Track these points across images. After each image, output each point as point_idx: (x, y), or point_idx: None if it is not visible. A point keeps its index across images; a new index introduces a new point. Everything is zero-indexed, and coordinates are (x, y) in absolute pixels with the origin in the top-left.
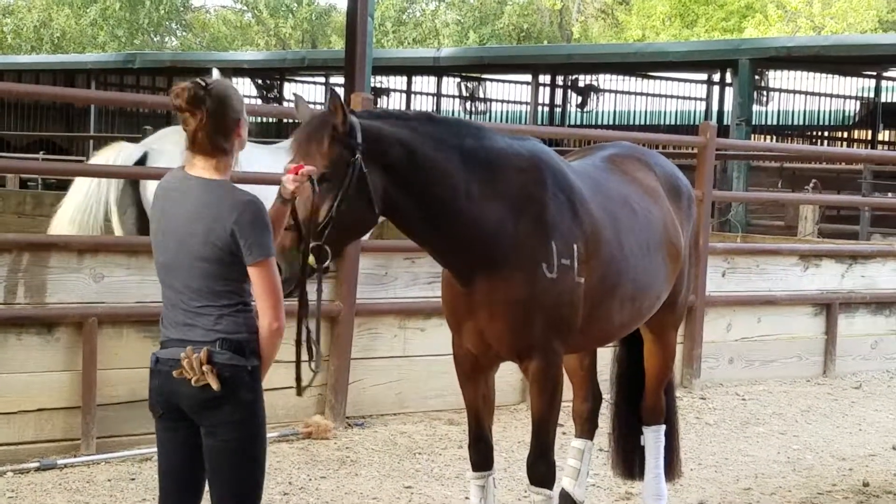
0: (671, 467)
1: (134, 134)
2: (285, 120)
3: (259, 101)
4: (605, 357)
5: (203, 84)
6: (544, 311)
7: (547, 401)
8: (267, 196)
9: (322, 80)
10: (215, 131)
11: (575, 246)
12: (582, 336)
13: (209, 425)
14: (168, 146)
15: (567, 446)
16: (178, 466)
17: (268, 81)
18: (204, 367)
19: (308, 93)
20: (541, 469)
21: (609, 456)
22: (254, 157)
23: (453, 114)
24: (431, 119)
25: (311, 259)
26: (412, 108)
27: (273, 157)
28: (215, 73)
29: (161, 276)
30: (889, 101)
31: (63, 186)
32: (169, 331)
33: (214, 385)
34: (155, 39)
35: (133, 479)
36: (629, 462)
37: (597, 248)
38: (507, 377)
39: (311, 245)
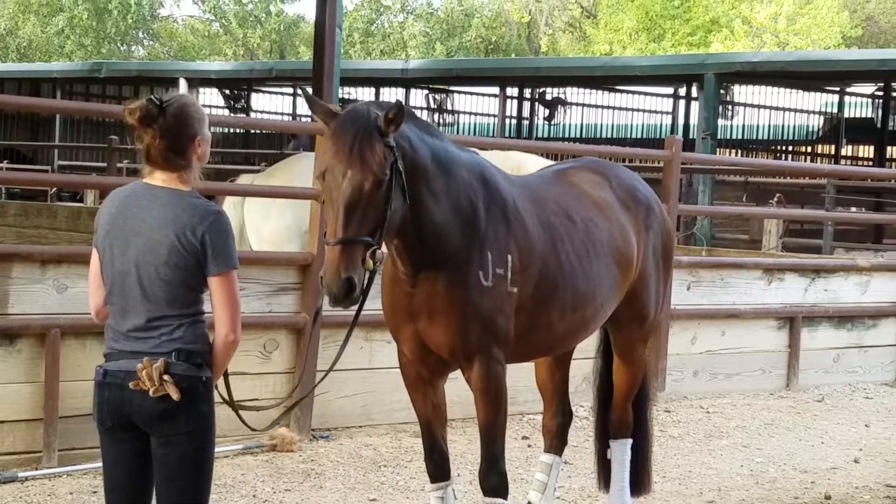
0: (641, 482)
1: (100, 144)
2: (252, 131)
3: (226, 112)
4: (574, 371)
5: (157, 102)
6: (481, 317)
7: (492, 408)
8: None
9: (290, 90)
10: (169, 148)
11: (509, 256)
12: (526, 344)
13: (164, 436)
14: None
15: (534, 460)
16: (127, 480)
17: (235, 92)
18: (164, 378)
19: (275, 104)
20: (492, 479)
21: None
22: None
23: None
24: (412, 116)
25: (370, 263)
26: None
27: None
28: (182, 84)
29: (115, 286)
30: (852, 116)
31: (28, 196)
32: (118, 343)
33: (175, 395)
34: (122, 49)
35: (95, 493)
36: (603, 474)
37: (531, 258)
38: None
39: (371, 250)
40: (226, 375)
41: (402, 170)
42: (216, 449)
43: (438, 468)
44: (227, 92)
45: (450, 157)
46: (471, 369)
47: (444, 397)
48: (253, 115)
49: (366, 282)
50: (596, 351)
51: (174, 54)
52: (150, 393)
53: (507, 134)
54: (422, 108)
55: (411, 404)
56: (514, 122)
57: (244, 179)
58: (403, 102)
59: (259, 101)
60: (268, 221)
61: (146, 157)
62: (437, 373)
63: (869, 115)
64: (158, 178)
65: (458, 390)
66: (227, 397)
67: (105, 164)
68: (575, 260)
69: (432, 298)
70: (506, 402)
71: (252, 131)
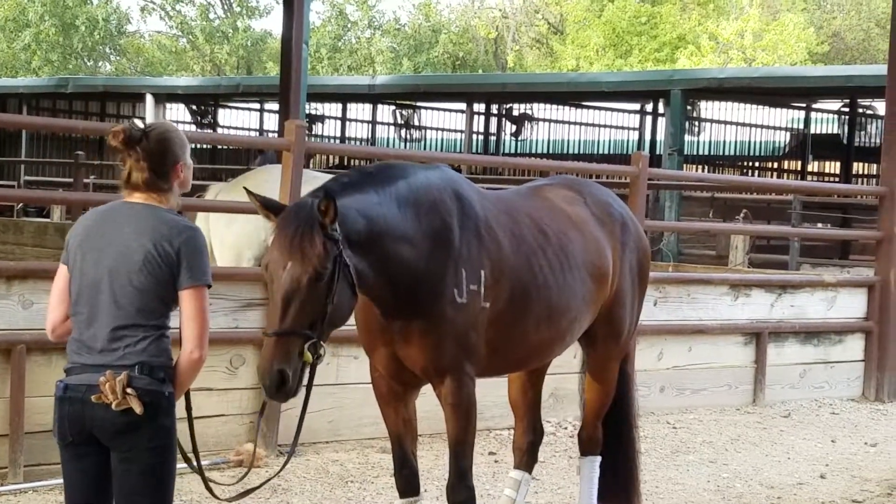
0: (631, 500)
1: (65, 159)
2: (219, 147)
3: (193, 128)
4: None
5: (140, 126)
6: (455, 335)
7: (462, 423)
8: None
9: (257, 106)
10: (152, 171)
11: (482, 272)
12: (501, 357)
13: (125, 450)
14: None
15: (502, 475)
16: (89, 496)
17: (202, 107)
18: (128, 391)
19: (242, 119)
20: (461, 494)
21: None
22: None
23: (388, 141)
24: (369, 173)
25: (308, 356)
26: (346, 135)
27: None
28: (149, 99)
29: (83, 295)
30: (818, 132)
31: None
32: (82, 356)
33: (138, 409)
34: (89, 64)
35: None
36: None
37: (503, 272)
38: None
39: (310, 343)
40: (187, 395)
41: (350, 263)
42: (182, 465)
43: (408, 483)
44: (194, 107)
45: (414, 193)
46: (442, 384)
47: (415, 412)
48: (220, 130)
49: (306, 375)
50: (581, 366)
51: (141, 70)
52: (113, 406)
53: (474, 150)
54: (389, 124)
55: (380, 419)
56: (481, 137)
57: (213, 189)
58: (333, 197)
59: (226, 116)
60: (231, 228)
61: (126, 180)
62: (410, 388)
63: (835, 132)
64: (138, 198)
65: (426, 405)
66: (189, 423)
67: (72, 180)
68: (548, 272)
69: (409, 321)
70: (475, 416)
71: (219, 147)
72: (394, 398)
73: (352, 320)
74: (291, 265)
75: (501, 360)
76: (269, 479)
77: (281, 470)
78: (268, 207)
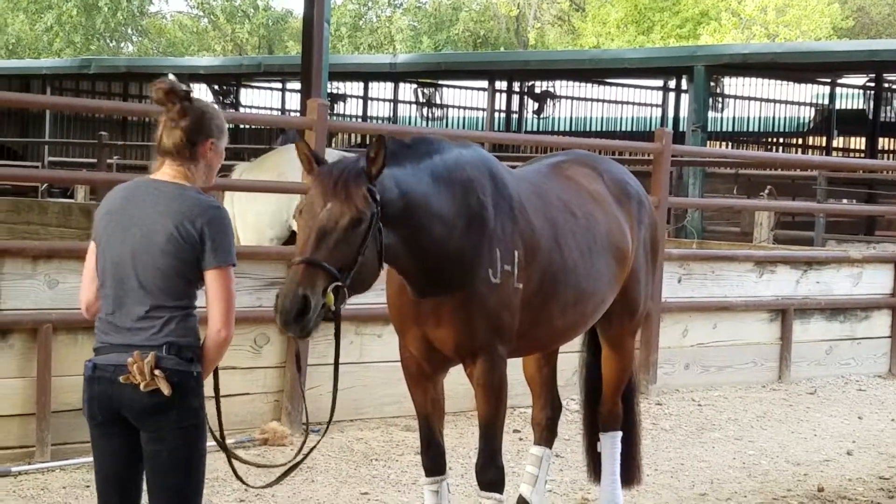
0: (631, 474)
1: (90, 140)
2: (241, 126)
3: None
4: (565, 364)
5: (186, 88)
6: (488, 315)
7: (493, 404)
8: None
9: (279, 85)
10: (185, 133)
11: (515, 252)
12: (525, 340)
13: (154, 431)
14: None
15: (525, 453)
16: (119, 474)
17: (224, 87)
18: (155, 372)
19: (264, 99)
20: (490, 473)
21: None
22: None
23: (410, 120)
24: (407, 145)
25: (331, 297)
26: (368, 114)
27: None
28: (171, 80)
29: (108, 275)
30: (843, 107)
31: (19, 192)
32: (109, 336)
33: (165, 390)
34: (111, 45)
35: (88, 487)
36: (593, 466)
37: (535, 254)
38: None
39: (335, 284)
40: (216, 373)
41: (381, 228)
42: (211, 443)
43: (435, 462)
44: (216, 87)
45: (448, 168)
46: (474, 365)
47: (444, 392)
48: (242, 110)
49: (321, 318)
50: (581, 344)
51: (163, 50)
52: (141, 387)
53: (496, 128)
54: (410, 102)
55: (405, 398)
56: (503, 115)
57: (238, 169)
58: (385, 143)
59: (248, 96)
60: (253, 207)
61: (158, 143)
62: (440, 368)
63: (860, 107)
64: (163, 174)
65: (448, 384)
66: (216, 403)
67: (95, 160)
68: (577, 256)
69: (441, 301)
70: (507, 397)
71: (241, 126)
72: (423, 378)
73: (379, 298)
74: (332, 205)
75: (527, 342)
76: (296, 465)
77: (307, 452)
78: (313, 157)
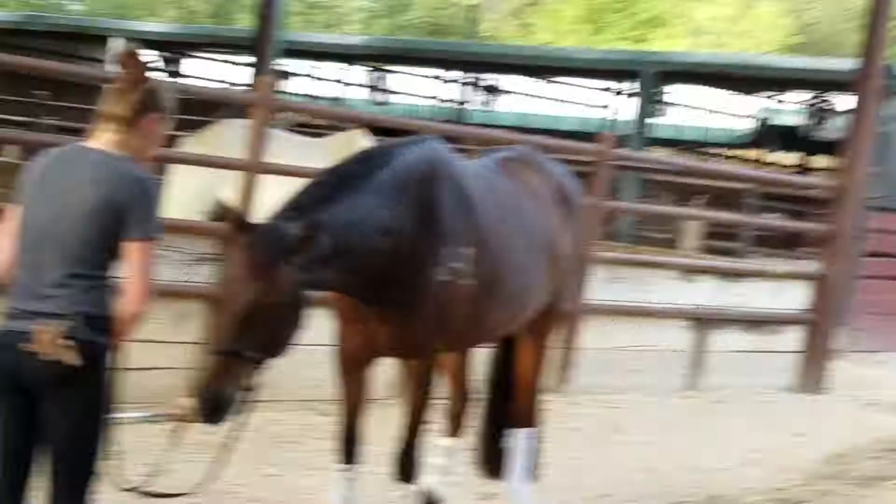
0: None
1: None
2: (186, 98)
3: (163, 77)
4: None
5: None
6: (433, 313)
7: (422, 397)
8: None
9: (227, 58)
10: (137, 100)
11: (466, 250)
12: (461, 336)
13: (59, 402)
14: None
15: (434, 444)
16: (18, 444)
17: (171, 55)
18: (61, 342)
19: (211, 71)
20: (405, 464)
21: (475, 455)
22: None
23: (357, 103)
24: (346, 174)
25: (249, 383)
26: (315, 94)
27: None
28: (120, 45)
29: (28, 239)
30: (782, 123)
31: None
32: (21, 301)
33: (72, 361)
34: (54, 2)
35: None
36: (494, 462)
37: (484, 252)
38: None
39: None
40: (125, 348)
41: (311, 279)
42: (118, 415)
43: (351, 450)
44: (167, 54)
45: (397, 172)
46: (411, 360)
47: (370, 384)
48: (190, 80)
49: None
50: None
51: (113, 11)
52: (48, 356)
53: (443, 118)
54: (360, 85)
55: (322, 382)
56: (450, 105)
57: (185, 141)
58: (311, 228)
59: (196, 66)
60: (183, 180)
61: (105, 109)
62: (374, 360)
63: (798, 124)
64: (101, 142)
65: None
66: (122, 377)
67: (31, 120)
68: (520, 252)
69: (390, 306)
70: (433, 391)
71: (186, 98)
72: (357, 368)
73: None
74: (251, 287)
75: (461, 338)
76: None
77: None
78: (238, 223)
